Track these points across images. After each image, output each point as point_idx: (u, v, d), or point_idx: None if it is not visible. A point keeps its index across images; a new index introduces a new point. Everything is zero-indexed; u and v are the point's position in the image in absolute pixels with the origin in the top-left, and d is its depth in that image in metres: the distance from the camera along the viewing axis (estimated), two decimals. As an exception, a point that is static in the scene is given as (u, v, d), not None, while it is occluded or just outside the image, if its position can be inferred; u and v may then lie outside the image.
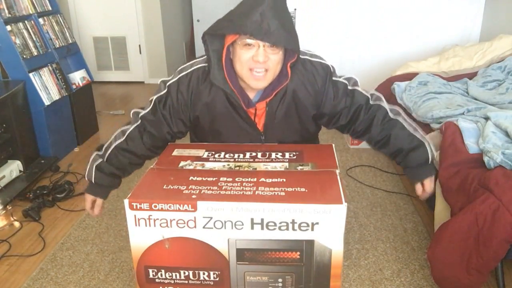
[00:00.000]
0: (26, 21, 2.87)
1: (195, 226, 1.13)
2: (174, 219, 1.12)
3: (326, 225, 1.10)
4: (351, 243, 1.92)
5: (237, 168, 1.29)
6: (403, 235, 1.98)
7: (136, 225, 1.14)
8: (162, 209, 1.12)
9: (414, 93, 2.40)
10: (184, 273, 1.19)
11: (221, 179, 1.21)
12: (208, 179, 1.21)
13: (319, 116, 1.46)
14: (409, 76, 2.69)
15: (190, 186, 1.17)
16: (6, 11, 2.72)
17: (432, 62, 2.83)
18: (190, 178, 1.22)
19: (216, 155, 1.36)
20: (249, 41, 1.24)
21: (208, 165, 1.30)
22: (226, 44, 1.28)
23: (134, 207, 1.13)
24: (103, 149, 1.44)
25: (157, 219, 1.13)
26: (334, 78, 1.42)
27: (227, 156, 1.36)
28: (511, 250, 1.39)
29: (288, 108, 1.40)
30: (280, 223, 1.10)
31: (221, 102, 1.38)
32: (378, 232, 2.00)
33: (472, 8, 3.52)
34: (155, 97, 1.42)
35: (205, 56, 1.35)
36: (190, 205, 1.11)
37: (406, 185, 2.41)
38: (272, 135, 1.45)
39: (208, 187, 1.17)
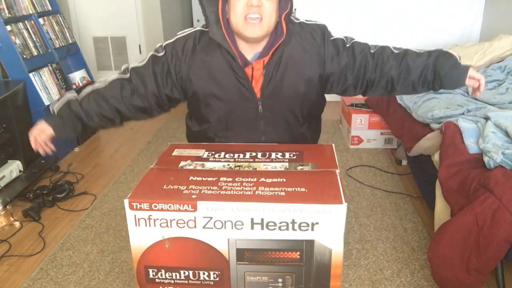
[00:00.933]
0: (26, 21, 2.88)
1: (195, 226, 1.13)
2: (174, 219, 1.12)
3: (326, 225, 1.10)
4: (351, 243, 1.92)
5: (237, 168, 1.29)
6: (403, 235, 1.98)
7: (136, 225, 1.14)
8: (162, 209, 1.12)
9: (414, 93, 2.40)
10: (184, 273, 1.19)
11: (221, 179, 1.21)
12: (208, 179, 1.21)
13: (326, 78, 1.44)
14: (409, 76, 2.68)
15: (190, 186, 1.17)
16: (6, 11, 2.72)
17: (432, 62, 2.83)
18: (190, 178, 1.22)
19: (216, 155, 1.36)
20: None
21: (208, 165, 1.30)
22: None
23: (134, 207, 1.13)
24: (82, 92, 1.43)
25: (157, 219, 1.13)
26: (331, 38, 1.43)
27: (227, 156, 1.36)
28: (511, 250, 1.39)
29: (286, 71, 1.38)
30: (280, 223, 1.10)
31: (218, 61, 1.37)
32: (378, 232, 2.00)
33: (472, 8, 3.52)
34: (150, 54, 1.42)
35: (204, 24, 1.37)
36: (190, 205, 1.11)
37: (406, 185, 2.41)
38: (269, 100, 1.41)
39: (208, 187, 1.17)
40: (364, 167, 2.65)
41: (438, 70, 1.38)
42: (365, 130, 2.87)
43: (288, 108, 1.44)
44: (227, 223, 1.11)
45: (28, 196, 2.39)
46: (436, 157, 1.82)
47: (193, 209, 1.11)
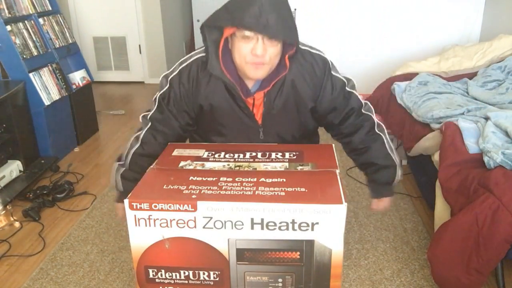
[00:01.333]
0: (26, 21, 2.88)
1: (195, 226, 1.12)
2: (174, 219, 1.12)
3: (326, 225, 1.10)
4: (351, 243, 1.92)
5: (237, 168, 1.29)
6: (403, 235, 1.98)
7: (136, 225, 1.14)
8: (162, 209, 1.12)
9: (414, 93, 2.40)
10: (184, 273, 1.19)
11: (221, 179, 1.21)
12: (208, 179, 1.22)
13: (315, 109, 1.46)
14: (409, 76, 2.68)
15: (190, 186, 1.17)
16: (6, 11, 2.72)
17: (432, 62, 2.83)
18: (190, 178, 1.22)
19: (216, 155, 1.36)
20: (247, 33, 1.24)
21: (208, 165, 1.30)
22: (225, 36, 1.29)
23: (134, 207, 1.13)
24: (123, 158, 1.48)
25: (157, 219, 1.13)
26: (333, 73, 1.43)
27: (227, 156, 1.36)
28: (511, 250, 1.39)
29: (287, 99, 1.41)
30: (280, 223, 1.10)
31: (220, 92, 1.39)
32: (378, 232, 2.00)
33: (472, 8, 3.52)
34: (158, 94, 1.43)
35: (204, 47, 1.36)
36: (190, 205, 1.11)
37: (406, 185, 2.41)
38: (270, 127, 1.45)
39: (208, 187, 1.17)
40: (364, 167, 2.65)
41: (377, 176, 1.49)
42: (365, 130, 2.87)
43: (288, 130, 1.49)
44: (227, 223, 1.11)
45: (28, 196, 2.39)
46: (436, 157, 1.82)
47: (193, 209, 1.11)
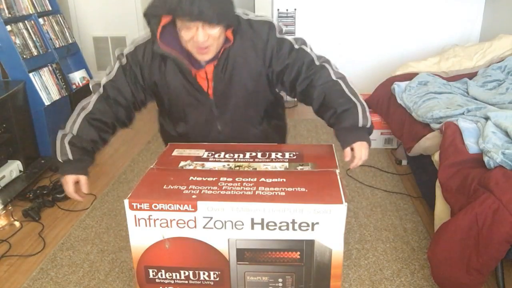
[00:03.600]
0: (26, 21, 2.87)
1: (195, 226, 1.13)
2: (174, 219, 1.12)
3: (326, 225, 1.10)
4: (351, 243, 1.92)
5: (237, 168, 1.29)
6: (403, 235, 1.98)
7: (136, 225, 1.14)
8: (162, 209, 1.12)
9: (414, 93, 2.40)
10: (184, 273, 1.19)
11: (221, 179, 1.21)
12: (208, 179, 1.22)
13: (270, 75, 1.46)
14: (409, 76, 2.69)
15: (190, 186, 1.17)
16: (6, 11, 2.72)
17: (432, 62, 2.83)
18: (190, 178, 1.22)
19: (216, 155, 1.36)
20: (186, 23, 1.26)
21: (208, 165, 1.30)
22: (162, 24, 1.32)
23: (134, 207, 1.13)
24: (69, 126, 1.43)
25: (157, 219, 1.13)
26: (279, 35, 1.42)
27: (227, 156, 1.36)
28: (511, 250, 1.39)
29: (235, 70, 1.41)
30: (280, 223, 1.11)
31: (171, 70, 1.41)
32: (378, 232, 2.00)
33: (472, 8, 3.52)
34: (117, 65, 1.45)
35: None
36: (190, 205, 1.11)
37: (406, 185, 2.41)
38: (223, 101, 1.44)
39: (208, 187, 1.17)
40: (364, 167, 2.65)
41: (339, 121, 1.37)
42: (365, 130, 2.87)
43: (241, 107, 1.47)
44: (227, 223, 1.11)
45: (28, 196, 2.39)
46: (436, 157, 1.82)
47: (193, 209, 1.11)
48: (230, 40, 1.36)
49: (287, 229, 1.11)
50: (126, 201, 1.13)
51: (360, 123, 1.34)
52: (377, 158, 2.77)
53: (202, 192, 1.14)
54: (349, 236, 1.96)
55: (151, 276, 1.20)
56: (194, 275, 1.19)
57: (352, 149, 1.33)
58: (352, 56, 3.75)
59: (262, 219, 1.11)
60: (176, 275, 1.19)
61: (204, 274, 1.18)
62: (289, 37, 1.44)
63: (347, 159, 1.33)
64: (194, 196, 1.12)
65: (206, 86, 1.42)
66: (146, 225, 1.14)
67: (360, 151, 1.33)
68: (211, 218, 1.12)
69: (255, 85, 1.45)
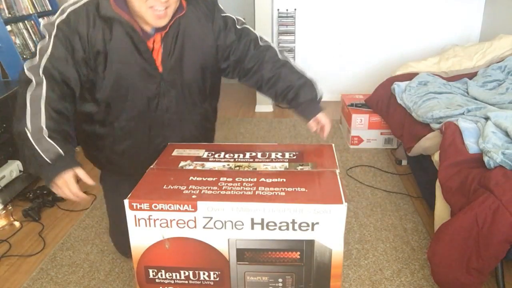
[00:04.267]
0: (26, 21, 2.88)
1: (195, 226, 1.13)
2: (174, 219, 1.13)
3: (326, 225, 1.11)
4: (351, 243, 1.92)
5: (237, 168, 1.29)
6: (403, 235, 1.98)
7: (136, 225, 1.14)
8: (162, 209, 1.12)
9: (414, 93, 2.40)
10: (184, 273, 1.19)
11: (221, 179, 1.21)
12: (208, 179, 1.22)
13: (218, 51, 1.44)
14: (409, 76, 2.69)
15: (190, 186, 1.17)
16: (6, 11, 2.72)
17: (432, 62, 2.83)
18: (190, 178, 1.22)
19: (216, 155, 1.36)
20: None
21: (208, 165, 1.30)
22: None
23: (134, 207, 1.13)
24: (33, 121, 1.20)
25: (157, 219, 1.13)
26: (222, 14, 1.44)
27: (227, 156, 1.36)
28: (511, 250, 1.39)
29: (184, 44, 1.36)
30: (280, 223, 1.11)
31: (118, 36, 1.28)
32: (378, 232, 2.00)
33: (472, 8, 3.52)
34: (51, 40, 1.25)
35: None
36: (190, 205, 1.11)
37: (406, 185, 2.41)
38: (172, 76, 1.38)
39: (208, 187, 1.17)
40: (364, 167, 2.65)
41: (299, 96, 1.45)
42: (365, 130, 2.87)
43: (190, 81, 1.43)
44: (227, 223, 1.12)
45: (28, 196, 2.39)
46: (436, 157, 1.82)
47: (193, 209, 1.11)
48: (184, 8, 1.31)
49: (287, 229, 1.11)
50: (126, 201, 1.13)
51: (318, 96, 1.47)
52: (377, 158, 2.77)
53: (202, 192, 1.15)
54: (349, 236, 1.96)
55: (151, 276, 1.20)
56: (194, 275, 1.19)
57: (316, 120, 1.46)
58: (352, 56, 3.75)
59: (262, 219, 1.11)
60: (176, 275, 1.19)
61: (204, 274, 1.18)
62: (231, 16, 1.46)
63: (314, 129, 1.47)
64: (194, 196, 1.13)
65: (154, 57, 1.35)
66: (146, 225, 1.14)
67: (326, 119, 1.47)
68: (211, 218, 1.12)
69: (205, 59, 1.42)
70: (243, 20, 1.49)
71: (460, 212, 1.46)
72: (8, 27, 2.68)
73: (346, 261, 1.81)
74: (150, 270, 1.20)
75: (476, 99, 2.25)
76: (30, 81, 1.23)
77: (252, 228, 1.12)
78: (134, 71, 1.34)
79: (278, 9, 3.61)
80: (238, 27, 1.45)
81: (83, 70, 1.30)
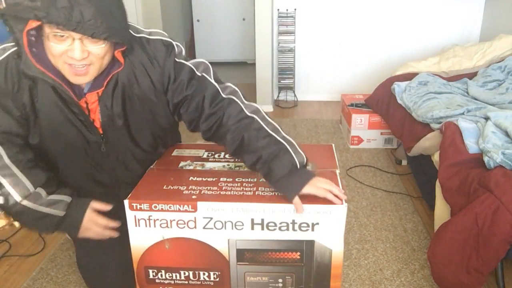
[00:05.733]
0: (26, 21, 2.87)
1: (195, 227, 1.13)
2: (174, 220, 1.13)
3: (326, 226, 1.11)
4: (351, 243, 1.92)
5: (237, 168, 1.29)
6: (403, 235, 1.98)
7: (136, 225, 1.14)
8: (162, 210, 1.12)
9: (414, 93, 2.40)
10: (185, 273, 1.19)
11: (221, 179, 1.21)
12: (208, 179, 1.22)
13: (167, 104, 1.24)
14: (409, 76, 2.69)
15: (190, 187, 1.17)
16: (6, 11, 2.72)
17: (432, 62, 2.83)
18: (190, 179, 1.22)
19: (216, 155, 1.36)
20: (59, 32, 0.98)
21: (208, 165, 1.30)
22: (26, 29, 1.01)
23: (134, 208, 1.13)
24: (18, 190, 1.11)
25: (157, 219, 1.13)
26: (178, 59, 1.19)
27: (227, 156, 1.36)
28: (511, 250, 1.39)
29: (126, 101, 1.18)
30: (280, 223, 1.11)
31: (47, 96, 1.12)
32: (378, 232, 2.00)
33: (472, 8, 3.52)
34: None
35: (10, 43, 1.10)
36: (190, 206, 1.11)
37: (406, 185, 2.41)
38: (114, 139, 1.22)
39: (208, 188, 1.17)
40: (364, 167, 2.65)
41: (272, 171, 1.11)
42: (365, 130, 2.87)
43: (136, 140, 1.26)
44: (227, 223, 1.12)
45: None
46: (436, 157, 1.82)
47: (193, 210, 1.11)
48: (121, 64, 1.12)
49: (287, 229, 1.11)
50: (126, 202, 1.12)
51: (297, 163, 1.11)
52: (377, 158, 2.77)
53: (202, 193, 1.15)
54: (349, 236, 1.96)
55: (151, 277, 1.20)
56: (194, 276, 1.19)
57: (303, 196, 1.08)
58: (352, 56, 3.75)
59: (262, 220, 1.11)
60: (176, 276, 1.19)
61: (204, 274, 1.18)
62: (189, 63, 1.20)
63: (301, 211, 1.07)
64: (194, 197, 1.13)
65: (92, 117, 1.18)
66: (146, 225, 1.14)
67: (321, 188, 1.08)
68: (211, 218, 1.12)
69: (152, 116, 1.24)
70: (207, 64, 1.23)
71: (460, 212, 1.46)
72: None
73: (346, 261, 1.81)
74: (150, 271, 1.20)
75: (476, 99, 2.25)
76: None
77: (252, 228, 1.12)
78: (70, 133, 1.18)
79: (278, 9, 3.61)
80: (198, 74, 1.20)
81: (23, 127, 1.17)
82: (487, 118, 1.82)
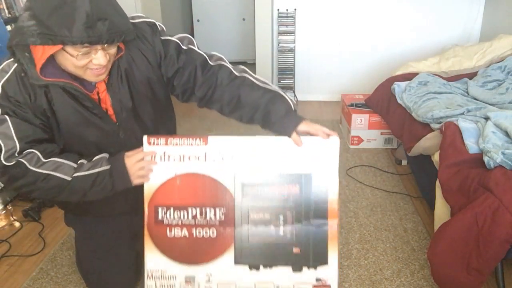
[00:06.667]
0: (26, 21, 2.87)
1: (205, 160, 1.24)
2: (186, 154, 1.23)
3: (321, 158, 1.23)
4: (351, 243, 1.92)
5: None
6: (403, 235, 1.98)
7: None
8: (176, 144, 1.23)
9: (414, 93, 2.40)
10: (192, 211, 1.26)
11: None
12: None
13: (163, 79, 1.33)
14: (409, 76, 2.69)
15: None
16: (6, 11, 2.72)
17: (432, 62, 2.83)
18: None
19: None
20: (82, 49, 1.07)
21: None
22: (48, 54, 1.07)
23: (152, 143, 1.24)
24: (65, 175, 1.19)
25: (171, 154, 1.23)
26: (163, 37, 1.29)
27: None
28: (511, 250, 1.39)
29: (130, 81, 1.27)
30: (282, 156, 1.23)
31: (59, 96, 1.19)
32: (378, 232, 2.00)
33: (472, 8, 3.52)
34: (5, 122, 1.16)
35: (10, 59, 1.17)
36: (202, 140, 1.23)
37: (406, 185, 2.41)
38: (128, 123, 1.31)
39: (218, 130, 1.32)
40: (364, 167, 2.65)
41: (269, 114, 1.25)
42: (365, 130, 2.87)
43: (143, 119, 1.34)
44: (234, 156, 1.24)
45: (28, 196, 2.39)
46: (436, 157, 1.82)
47: (204, 143, 1.23)
48: (122, 50, 1.21)
49: (288, 162, 1.24)
50: (144, 137, 1.23)
51: (292, 106, 1.26)
52: (377, 158, 2.77)
53: (212, 133, 1.27)
54: (349, 236, 1.96)
55: (159, 217, 1.26)
56: (201, 214, 1.26)
57: (302, 132, 1.23)
58: (352, 56, 3.75)
59: (266, 153, 1.24)
60: (183, 214, 1.26)
61: (210, 212, 1.25)
62: (174, 38, 1.31)
63: (300, 144, 1.22)
64: (205, 134, 1.25)
65: (103, 107, 1.26)
66: (161, 160, 1.23)
67: (314, 126, 1.23)
68: (219, 152, 1.23)
69: (152, 92, 1.32)
70: (190, 38, 1.34)
71: (460, 212, 1.46)
72: (8, 27, 2.67)
73: (346, 261, 1.81)
74: (160, 209, 1.26)
75: (476, 99, 2.25)
76: (18, 165, 1.17)
77: (256, 161, 1.23)
78: (89, 130, 1.26)
79: (278, 9, 3.61)
80: (184, 47, 1.30)
81: (47, 132, 1.24)
82: (487, 118, 1.82)
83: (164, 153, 1.23)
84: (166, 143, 1.23)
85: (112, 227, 1.49)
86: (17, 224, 2.18)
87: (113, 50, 1.15)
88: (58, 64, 1.14)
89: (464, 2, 3.50)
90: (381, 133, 2.87)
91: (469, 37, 3.57)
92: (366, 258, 1.83)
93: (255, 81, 1.30)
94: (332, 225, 1.23)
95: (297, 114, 1.26)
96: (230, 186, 1.24)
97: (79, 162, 1.22)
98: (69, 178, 1.18)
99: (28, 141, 1.18)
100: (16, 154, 1.17)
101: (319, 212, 1.23)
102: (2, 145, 1.16)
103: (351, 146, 2.92)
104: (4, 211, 2.29)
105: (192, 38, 1.35)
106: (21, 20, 1.07)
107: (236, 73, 1.30)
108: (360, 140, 2.90)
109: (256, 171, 1.23)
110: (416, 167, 2.32)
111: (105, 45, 1.10)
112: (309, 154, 1.22)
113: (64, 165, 1.20)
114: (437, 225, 1.67)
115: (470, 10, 3.52)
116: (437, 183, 1.69)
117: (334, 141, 1.21)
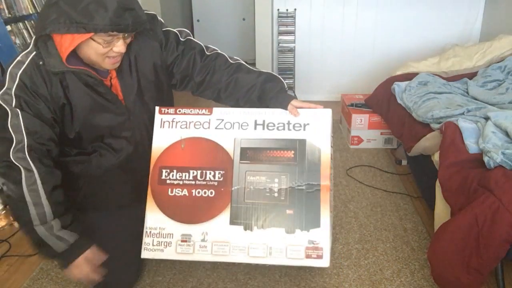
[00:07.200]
0: (26, 21, 2.87)
1: (209, 127, 1.37)
2: (192, 121, 1.37)
3: (315, 126, 1.35)
4: (351, 243, 1.92)
5: None
6: (403, 235, 1.98)
7: (161, 127, 1.38)
8: (184, 113, 1.38)
9: (414, 93, 2.40)
10: (193, 173, 1.36)
11: None
12: None
13: (166, 69, 1.44)
14: (409, 76, 2.69)
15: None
16: (6, 11, 2.72)
17: (432, 62, 2.83)
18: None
19: None
20: (107, 38, 1.15)
21: None
22: (77, 43, 1.14)
23: (163, 112, 1.41)
24: (36, 217, 1.23)
25: (179, 121, 1.37)
26: (164, 28, 1.41)
27: None
28: (511, 250, 1.39)
29: (139, 67, 1.36)
30: (278, 123, 1.36)
31: (74, 83, 1.26)
32: (378, 232, 2.00)
33: (472, 8, 3.52)
34: (17, 115, 1.21)
35: (27, 50, 1.23)
36: (207, 110, 1.40)
37: (406, 185, 2.41)
38: (136, 107, 1.39)
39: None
40: (364, 167, 2.65)
41: (265, 91, 1.39)
42: (365, 130, 2.87)
43: (148, 103, 1.43)
44: (235, 124, 1.37)
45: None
46: (436, 157, 1.82)
47: (209, 113, 1.38)
48: (132, 38, 1.30)
49: (283, 129, 1.35)
50: (156, 108, 1.40)
51: (285, 86, 1.43)
52: (377, 158, 2.77)
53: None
54: (349, 236, 1.96)
55: (163, 177, 1.37)
56: (201, 175, 1.36)
57: (296, 105, 1.37)
58: (352, 56, 3.75)
59: (264, 121, 1.36)
60: (185, 175, 1.36)
61: (210, 173, 1.36)
62: (173, 30, 1.43)
63: (297, 114, 1.37)
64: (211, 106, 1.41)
65: (116, 93, 1.36)
66: (169, 127, 1.37)
67: (306, 103, 1.40)
68: (222, 120, 1.37)
69: (156, 77, 1.42)
70: (187, 31, 1.45)
71: (460, 212, 1.46)
72: (8, 27, 2.67)
73: (346, 261, 1.81)
74: (164, 170, 1.37)
75: (476, 99, 2.25)
76: (18, 173, 1.21)
77: (255, 128, 1.35)
78: (101, 115, 1.33)
79: (278, 9, 3.61)
80: (182, 39, 1.42)
81: (55, 127, 1.30)
82: (487, 118, 1.82)
83: (173, 119, 1.38)
84: (175, 113, 1.39)
85: (115, 222, 1.51)
86: (17, 224, 2.18)
87: (130, 39, 1.24)
88: (77, 54, 1.22)
89: (464, 2, 3.50)
90: (381, 133, 2.87)
91: (469, 37, 3.57)
92: (366, 258, 1.83)
93: (249, 67, 1.46)
94: (324, 189, 1.31)
95: (289, 93, 1.42)
96: (229, 149, 1.36)
97: (54, 220, 1.25)
98: (35, 222, 1.23)
99: (35, 137, 1.23)
100: (25, 149, 1.22)
101: (312, 176, 1.32)
102: (14, 137, 1.21)
103: (351, 146, 2.92)
104: (4, 211, 2.29)
105: (189, 32, 1.47)
106: (49, 12, 1.10)
107: (231, 61, 1.45)
108: (360, 140, 2.90)
109: (254, 136, 1.36)
110: (416, 167, 2.32)
111: (126, 34, 1.19)
112: (303, 122, 1.35)
113: (45, 209, 1.23)
114: (437, 225, 1.67)
115: (470, 10, 3.52)
116: (437, 183, 1.69)
117: (327, 112, 1.37)
